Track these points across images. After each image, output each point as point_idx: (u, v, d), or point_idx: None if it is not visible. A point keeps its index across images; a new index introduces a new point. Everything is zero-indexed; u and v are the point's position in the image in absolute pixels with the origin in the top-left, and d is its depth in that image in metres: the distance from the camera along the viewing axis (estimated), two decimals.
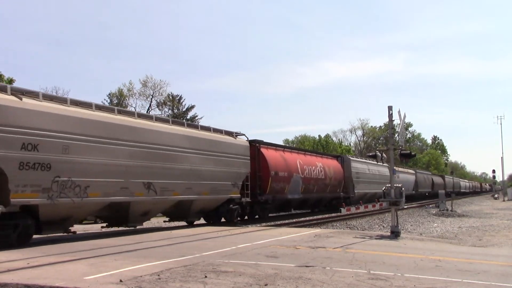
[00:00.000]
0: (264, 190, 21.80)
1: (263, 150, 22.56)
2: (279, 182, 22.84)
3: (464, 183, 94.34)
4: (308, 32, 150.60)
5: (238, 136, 20.60)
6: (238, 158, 19.55)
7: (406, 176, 45.38)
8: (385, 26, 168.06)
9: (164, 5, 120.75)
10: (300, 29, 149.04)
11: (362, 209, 28.98)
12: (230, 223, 19.00)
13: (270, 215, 24.20)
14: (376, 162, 35.58)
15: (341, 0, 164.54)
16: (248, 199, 20.34)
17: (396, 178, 38.73)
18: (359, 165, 35.53)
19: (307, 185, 25.99)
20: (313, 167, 27.24)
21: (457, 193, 76.13)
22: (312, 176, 26.80)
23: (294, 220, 22.68)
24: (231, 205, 19.23)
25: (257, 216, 22.37)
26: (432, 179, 61.55)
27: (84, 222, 18.76)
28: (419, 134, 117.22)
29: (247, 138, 21.38)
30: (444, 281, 7.22)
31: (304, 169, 25.90)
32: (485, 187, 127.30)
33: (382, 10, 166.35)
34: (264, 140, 23.83)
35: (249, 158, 20.38)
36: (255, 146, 22.02)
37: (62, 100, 12.86)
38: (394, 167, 37.70)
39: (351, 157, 36.60)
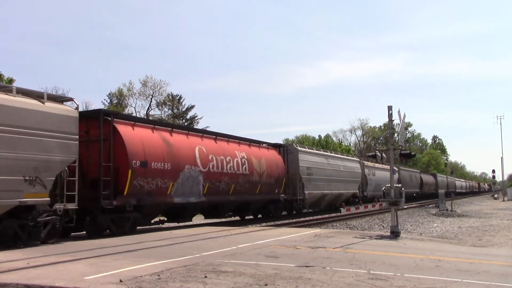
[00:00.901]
0: (122, 189, 14.45)
1: (120, 128, 14.77)
2: (152, 178, 15.40)
3: (460, 183, 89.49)
4: (308, 32, 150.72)
5: (62, 102, 13.00)
6: (46, 136, 11.76)
7: (385, 173, 38.19)
8: (385, 26, 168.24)
9: (164, 5, 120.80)
10: (300, 29, 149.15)
11: (362, 209, 29.02)
12: None
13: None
14: (341, 156, 33.70)
15: (341, 0, 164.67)
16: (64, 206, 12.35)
17: (370, 176, 37.30)
18: (313, 158, 27.88)
19: (214, 184, 18.45)
20: (228, 158, 19.52)
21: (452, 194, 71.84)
22: (225, 170, 19.10)
23: (294, 220, 22.67)
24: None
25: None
26: (421, 177, 55.26)
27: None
28: (419, 134, 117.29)
29: (76, 106, 13.14)
30: (444, 281, 7.22)
31: (210, 160, 18.24)
32: (484, 187, 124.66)
33: (382, 10, 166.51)
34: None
35: (76, 137, 12.64)
36: (105, 120, 14.39)
37: None
38: (368, 162, 33.15)
39: (300, 147, 28.57)
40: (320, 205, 30.31)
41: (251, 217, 23.98)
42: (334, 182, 30.04)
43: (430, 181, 60.55)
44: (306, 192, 26.08)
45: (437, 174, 69.48)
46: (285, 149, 25.44)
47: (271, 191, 22.98)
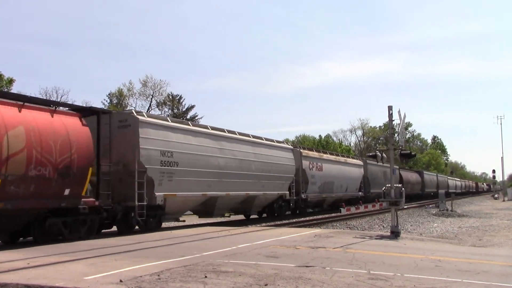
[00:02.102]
0: None
1: None
2: None
3: (454, 182, 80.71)
4: (308, 32, 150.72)
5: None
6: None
7: (338, 168, 31.15)
8: (385, 26, 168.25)
9: (164, 5, 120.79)
10: (300, 29, 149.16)
11: (362, 209, 29.02)
12: None
13: None
14: (248, 139, 21.13)
15: (340, 0, 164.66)
16: None
17: (314, 171, 27.23)
18: (172, 135, 16.40)
19: None
20: None
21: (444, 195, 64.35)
22: None
23: (294, 220, 22.67)
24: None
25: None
26: (400, 175, 44.41)
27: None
28: (419, 134, 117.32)
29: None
30: (444, 281, 7.22)
31: None
32: (482, 187, 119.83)
33: (382, 10, 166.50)
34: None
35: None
36: None
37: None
38: (310, 151, 28.94)
39: (138, 116, 15.46)
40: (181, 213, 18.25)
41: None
42: (228, 179, 19.14)
43: (413, 180, 50.64)
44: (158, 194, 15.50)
45: (424, 172, 60.11)
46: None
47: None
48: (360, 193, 34.99)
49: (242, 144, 20.63)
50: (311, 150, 30.12)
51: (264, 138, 23.45)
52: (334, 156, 32.46)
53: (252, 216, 23.89)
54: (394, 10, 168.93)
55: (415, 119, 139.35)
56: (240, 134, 21.23)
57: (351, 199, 33.61)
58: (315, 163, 27.90)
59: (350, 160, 35.13)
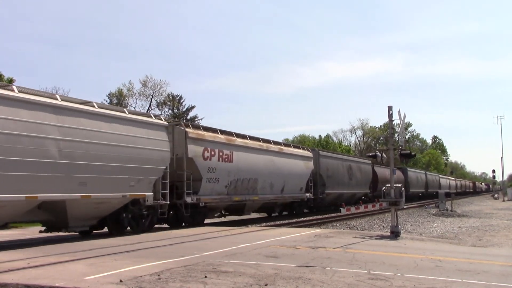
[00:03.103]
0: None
1: None
2: None
3: (447, 181, 73.28)
4: (307, 32, 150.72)
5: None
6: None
7: (278, 161, 23.06)
8: (384, 26, 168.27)
9: (164, 5, 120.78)
10: (299, 29, 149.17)
11: (362, 209, 29.01)
12: None
13: None
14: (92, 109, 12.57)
15: (340, 0, 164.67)
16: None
17: (218, 163, 18.32)
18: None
19: None
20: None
21: (434, 194, 56.05)
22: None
23: (294, 220, 22.67)
24: None
25: None
26: (374, 171, 37.82)
27: None
28: (418, 134, 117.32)
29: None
30: (444, 281, 7.22)
31: None
32: (480, 187, 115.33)
33: (381, 10, 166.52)
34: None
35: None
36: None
37: None
38: (252, 143, 21.08)
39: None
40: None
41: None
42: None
43: (394, 178, 45.66)
44: None
45: (409, 169, 50.31)
46: None
47: None
48: (308, 194, 26.21)
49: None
50: (208, 130, 19.08)
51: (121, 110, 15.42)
52: (259, 143, 22.13)
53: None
54: (394, 10, 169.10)
55: (415, 119, 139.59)
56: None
57: (294, 202, 25.63)
58: (216, 151, 18.65)
59: (290, 150, 25.03)
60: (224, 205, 20.31)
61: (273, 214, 26.31)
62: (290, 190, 24.35)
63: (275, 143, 24.49)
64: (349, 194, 33.54)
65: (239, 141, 20.53)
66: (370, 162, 37.76)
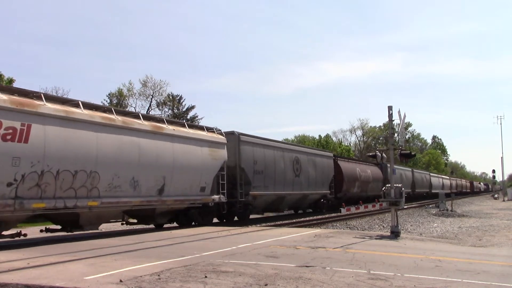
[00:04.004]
0: None
1: None
2: None
3: (440, 181, 65.91)
4: (306, 33, 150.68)
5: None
6: None
7: (165, 147, 15.93)
8: (383, 27, 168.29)
9: (164, 5, 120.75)
10: (299, 29, 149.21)
11: (362, 209, 28.92)
12: None
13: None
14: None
15: (339, 0, 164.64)
16: None
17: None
18: None
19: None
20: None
21: (425, 195, 53.57)
22: None
23: (294, 220, 22.67)
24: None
25: None
26: (338, 166, 30.61)
27: None
28: (418, 134, 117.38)
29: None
30: (444, 281, 7.22)
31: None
32: (479, 187, 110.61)
33: (380, 11, 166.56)
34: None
35: None
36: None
37: None
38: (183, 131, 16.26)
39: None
40: None
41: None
42: None
43: (366, 177, 34.60)
44: None
45: (388, 165, 36.45)
46: None
47: None
48: (217, 197, 18.31)
49: None
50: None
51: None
52: (104, 115, 13.99)
53: None
54: (392, 10, 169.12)
55: (415, 119, 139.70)
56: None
57: (190, 208, 17.46)
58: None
59: (179, 131, 16.91)
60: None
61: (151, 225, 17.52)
62: (179, 190, 16.23)
63: (148, 118, 17.00)
64: (296, 196, 25.21)
65: (49, 108, 12.23)
66: (331, 155, 30.98)
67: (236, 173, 20.28)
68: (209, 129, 18.84)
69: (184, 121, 18.70)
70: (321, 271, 7.75)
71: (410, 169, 50.69)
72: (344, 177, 30.92)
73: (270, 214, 26.57)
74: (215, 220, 19.92)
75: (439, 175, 71.26)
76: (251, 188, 20.85)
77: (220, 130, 19.45)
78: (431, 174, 62.87)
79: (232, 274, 7.34)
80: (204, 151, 17.69)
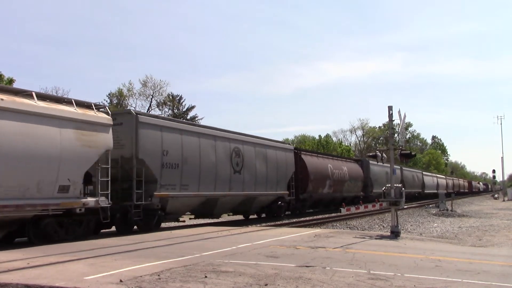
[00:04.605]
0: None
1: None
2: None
3: (434, 180, 60.64)
4: (306, 33, 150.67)
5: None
6: None
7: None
8: (383, 27, 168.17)
9: (164, 5, 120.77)
10: (298, 29, 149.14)
11: (362, 209, 28.93)
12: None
13: None
14: None
15: (339, 0, 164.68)
16: None
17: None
18: None
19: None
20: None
21: (417, 196, 49.76)
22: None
23: (294, 220, 22.66)
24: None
25: None
26: (302, 163, 25.90)
27: None
28: (418, 134, 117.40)
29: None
30: (444, 281, 7.22)
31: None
32: (478, 187, 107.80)
33: (380, 11, 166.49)
34: None
35: None
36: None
37: None
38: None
39: None
40: None
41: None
42: None
43: (341, 173, 30.45)
44: None
45: (370, 161, 35.42)
46: None
47: None
48: (88, 200, 13.06)
49: None
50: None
51: None
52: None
53: None
54: (393, 10, 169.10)
55: (415, 119, 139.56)
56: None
57: (43, 217, 12.13)
58: None
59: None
60: None
61: None
62: (10, 190, 10.96)
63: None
64: (236, 198, 20.07)
65: None
66: (291, 148, 25.64)
67: (133, 167, 14.90)
68: (82, 104, 13.41)
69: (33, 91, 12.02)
70: (321, 271, 7.75)
71: (398, 167, 42.96)
72: (309, 175, 25.95)
73: (202, 221, 20.88)
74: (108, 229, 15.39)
75: (433, 174, 66.10)
76: (157, 187, 15.42)
77: (105, 107, 14.68)
78: (424, 172, 57.31)
79: (232, 274, 7.34)
80: (67, 134, 12.41)
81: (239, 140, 20.57)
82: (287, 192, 24.08)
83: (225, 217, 22.96)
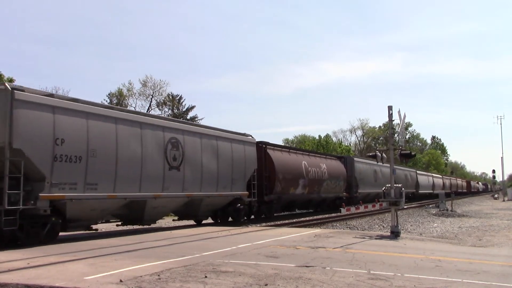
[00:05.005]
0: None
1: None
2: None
3: (429, 180, 56.80)
4: (306, 33, 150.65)
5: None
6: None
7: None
8: (383, 27, 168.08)
9: (164, 5, 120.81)
10: (298, 29, 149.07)
11: (362, 209, 28.93)
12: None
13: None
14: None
15: (339, 0, 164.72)
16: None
17: None
18: None
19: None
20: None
21: (410, 197, 45.17)
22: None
23: (294, 220, 22.66)
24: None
25: None
26: (268, 158, 22.44)
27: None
28: (418, 134, 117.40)
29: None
30: (444, 281, 7.22)
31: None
32: (477, 187, 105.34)
33: (380, 11, 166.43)
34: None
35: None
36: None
37: None
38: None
39: None
40: None
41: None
42: None
43: (319, 171, 26.98)
44: None
45: (357, 159, 34.48)
46: None
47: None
48: None
49: None
50: None
51: None
52: None
53: None
54: (393, 10, 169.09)
55: (415, 119, 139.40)
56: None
57: None
58: None
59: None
60: None
61: None
62: None
63: None
64: (174, 201, 16.47)
65: None
66: (253, 141, 21.40)
67: (4, 160, 11.21)
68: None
69: None
70: (321, 271, 7.76)
71: (387, 165, 37.45)
72: (277, 173, 22.28)
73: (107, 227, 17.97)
74: None
75: (429, 173, 61.76)
76: (45, 186, 11.86)
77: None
78: (418, 172, 53.06)
79: (232, 274, 7.34)
80: None
81: (178, 129, 16.75)
82: (247, 192, 20.22)
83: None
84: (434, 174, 64.86)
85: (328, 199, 29.26)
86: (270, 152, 22.85)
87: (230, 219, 19.85)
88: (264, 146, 22.75)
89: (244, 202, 20.21)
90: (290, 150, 26.51)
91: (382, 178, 36.07)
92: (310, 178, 25.81)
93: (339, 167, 30.56)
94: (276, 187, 22.51)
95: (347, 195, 31.12)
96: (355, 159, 33.90)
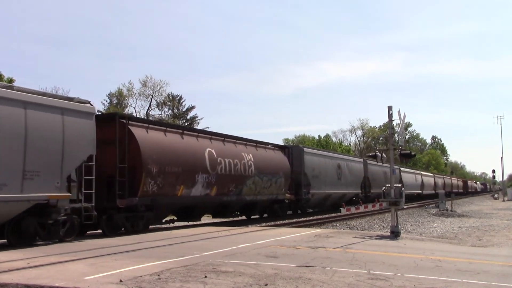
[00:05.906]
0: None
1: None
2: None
3: (418, 179, 51.05)
4: (306, 33, 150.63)
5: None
6: None
7: None
8: (383, 27, 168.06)
9: (164, 5, 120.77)
10: (298, 29, 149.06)
11: (362, 209, 28.93)
12: None
13: None
14: None
15: (339, 0, 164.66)
16: None
17: None
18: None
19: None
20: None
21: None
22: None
23: (294, 220, 22.66)
24: None
25: None
26: (133, 140, 14.04)
27: None
28: (418, 134, 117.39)
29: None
30: (444, 281, 7.22)
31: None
32: (475, 187, 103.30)
33: (380, 11, 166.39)
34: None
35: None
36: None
37: None
38: None
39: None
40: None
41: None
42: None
43: (234, 166, 18.92)
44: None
45: (305, 149, 27.23)
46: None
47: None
48: None
49: None
50: None
51: None
52: None
53: None
54: (393, 10, 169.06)
55: (415, 119, 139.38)
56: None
57: None
58: None
59: None
60: None
61: None
62: None
63: None
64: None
65: None
66: (90, 110, 12.86)
67: None
68: None
69: None
70: (321, 271, 7.76)
71: (361, 160, 34.46)
72: (143, 163, 14.37)
73: None
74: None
75: (416, 171, 54.53)
76: None
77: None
78: (402, 169, 43.68)
79: (232, 274, 7.34)
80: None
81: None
82: (68, 194, 12.03)
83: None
84: (423, 172, 58.09)
85: (260, 203, 21.77)
86: (134, 130, 14.56)
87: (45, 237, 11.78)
88: (125, 120, 14.61)
89: (59, 211, 11.81)
90: (179, 130, 17.53)
91: (349, 175, 29.60)
92: (221, 174, 18.22)
93: (278, 159, 23.09)
94: (142, 186, 14.43)
95: (292, 197, 24.15)
96: (306, 149, 26.76)
